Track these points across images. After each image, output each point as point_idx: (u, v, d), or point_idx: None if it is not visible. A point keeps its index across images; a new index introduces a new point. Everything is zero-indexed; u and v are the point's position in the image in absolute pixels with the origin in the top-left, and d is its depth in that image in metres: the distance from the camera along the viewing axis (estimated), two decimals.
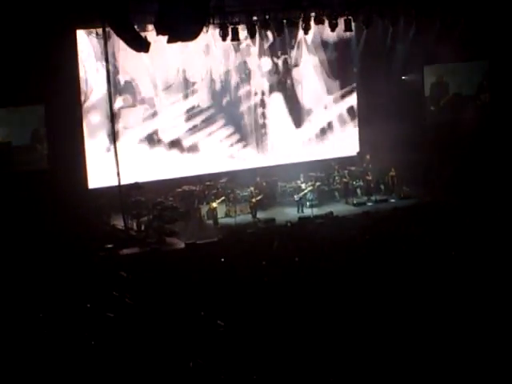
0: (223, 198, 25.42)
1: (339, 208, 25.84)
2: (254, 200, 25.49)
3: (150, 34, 21.94)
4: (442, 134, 28.04)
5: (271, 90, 28.25)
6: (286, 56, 28.07)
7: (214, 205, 25.06)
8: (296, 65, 28.36)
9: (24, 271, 18.63)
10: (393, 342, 13.25)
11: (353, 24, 26.04)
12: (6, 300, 16.32)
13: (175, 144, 27.02)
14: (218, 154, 27.60)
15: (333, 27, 25.53)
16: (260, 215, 25.30)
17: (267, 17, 24.70)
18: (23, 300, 16.23)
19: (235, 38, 24.55)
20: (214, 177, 26.78)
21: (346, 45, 28.68)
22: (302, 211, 25.62)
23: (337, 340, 13.48)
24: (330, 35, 27.56)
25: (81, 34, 24.80)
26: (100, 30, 23.08)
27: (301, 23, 25.12)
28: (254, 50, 27.44)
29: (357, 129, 29.64)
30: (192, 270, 18.46)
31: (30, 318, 15.17)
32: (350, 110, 29.54)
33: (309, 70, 28.62)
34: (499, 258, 17.39)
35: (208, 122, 27.45)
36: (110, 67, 24.28)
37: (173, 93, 26.83)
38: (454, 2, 26.09)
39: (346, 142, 29.44)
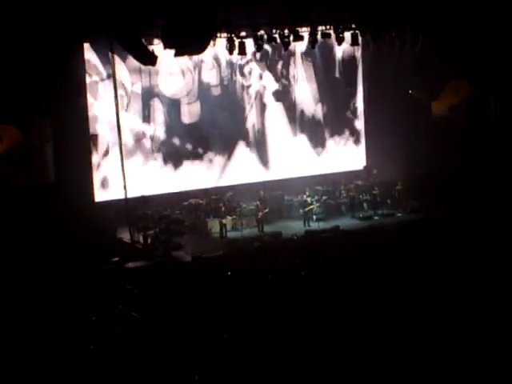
0: (235, 216, 25.39)
1: (345, 222, 25.79)
2: (260, 214, 25.45)
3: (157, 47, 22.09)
4: (450, 148, 27.98)
5: (275, 103, 28.40)
6: (291, 70, 28.33)
7: (224, 221, 25.02)
8: (299, 77, 28.60)
9: (30, 283, 18.64)
10: (397, 354, 13.22)
11: (359, 38, 26.07)
12: (13, 312, 16.32)
13: (180, 158, 27.08)
14: (222, 167, 27.64)
15: (339, 41, 25.57)
16: (266, 229, 25.24)
17: (274, 31, 24.74)
18: (29, 312, 16.23)
19: (242, 51, 24.58)
20: (220, 190, 26.77)
21: (353, 59, 28.88)
22: (309, 225, 25.56)
23: (342, 353, 13.45)
24: (337, 48, 27.84)
25: (89, 48, 24.86)
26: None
27: (307, 37, 25.13)
28: (256, 62, 27.76)
29: (364, 143, 29.68)
30: (198, 284, 18.45)
31: (37, 329, 15.17)
32: (357, 124, 29.61)
33: (314, 84, 28.82)
34: (505, 270, 17.36)
35: (212, 135, 27.52)
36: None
37: (174, 105, 26.93)
38: (460, 19, 26.04)
39: (352, 156, 29.50)
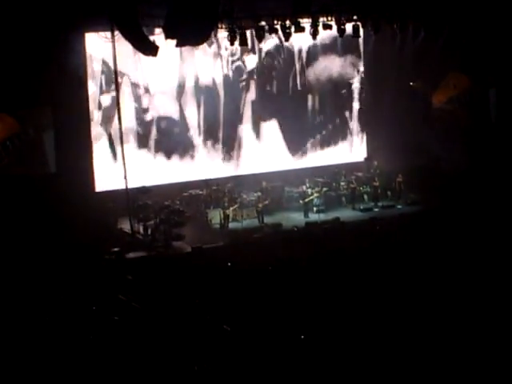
0: (237, 205, 25.39)
1: (346, 213, 25.81)
2: (260, 205, 25.46)
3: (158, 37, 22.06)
4: (450, 140, 27.96)
5: (278, 94, 28.38)
6: (294, 60, 28.35)
7: (228, 212, 25.01)
8: (305, 69, 28.55)
9: (30, 274, 18.65)
10: (399, 346, 13.24)
11: (361, 30, 26.02)
12: (12, 303, 16.34)
13: (182, 148, 27.12)
14: (224, 158, 27.66)
15: (341, 33, 25.51)
16: (266, 220, 25.27)
17: (275, 22, 24.72)
18: (29, 303, 16.24)
19: (243, 42, 24.59)
20: (220, 181, 26.79)
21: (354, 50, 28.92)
22: (309, 216, 25.60)
23: (342, 345, 13.47)
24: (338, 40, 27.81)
25: (90, 38, 24.83)
26: (109, 34, 23.02)
27: (309, 28, 25.08)
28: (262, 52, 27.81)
29: (364, 134, 29.67)
30: (198, 274, 18.47)
31: (36, 320, 15.19)
32: (358, 115, 29.59)
33: (316, 75, 28.79)
34: (506, 264, 17.37)
35: (214, 126, 27.54)
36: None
37: (178, 97, 26.94)
38: (462, 12, 25.99)
39: (353, 148, 29.50)
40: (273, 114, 28.43)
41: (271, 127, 28.41)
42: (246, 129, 28.15)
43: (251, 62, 27.92)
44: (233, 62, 27.64)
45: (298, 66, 28.59)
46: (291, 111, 28.57)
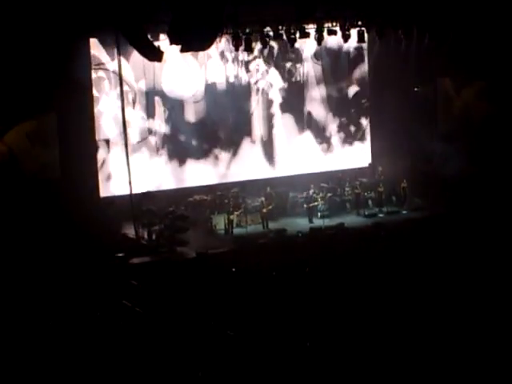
0: (241, 210, 25.41)
1: (350, 219, 25.81)
2: (264, 210, 25.47)
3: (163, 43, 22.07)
4: (455, 145, 27.91)
5: (282, 100, 28.38)
6: (296, 67, 28.35)
7: (232, 217, 25.05)
8: (306, 75, 28.57)
9: (34, 278, 18.66)
10: (405, 352, 13.21)
11: (366, 35, 26.03)
12: (16, 307, 16.35)
13: (187, 154, 27.10)
14: (229, 163, 27.65)
15: (346, 38, 25.53)
16: (271, 225, 25.29)
17: (280, 27, 24.75)
18: (33, 307, 16.25)
19: (248, 48, 24.61)
20: (225, 187, 26.78)
21: (360, 56, 28.93)
22: (313, 222, 25.58)
23: (345, 350, 13.45)
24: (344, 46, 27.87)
25: (94, 43, 24.88)
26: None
27: (314, 34, 25.11)
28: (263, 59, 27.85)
29: (369, 140, 29.65)
30: (202, 280, 18.47)
31: (41, 325, 15.20)
32: (363, 121, 29.59)
33: (320, 81, 28.82)
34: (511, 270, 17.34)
35: (217, 132, 27.53)
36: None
37: (178, 102, 26.94)
38: (467, 16, 25.97)
39: (358, 154, 29.48)
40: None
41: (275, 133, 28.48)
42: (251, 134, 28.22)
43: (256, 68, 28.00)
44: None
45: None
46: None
